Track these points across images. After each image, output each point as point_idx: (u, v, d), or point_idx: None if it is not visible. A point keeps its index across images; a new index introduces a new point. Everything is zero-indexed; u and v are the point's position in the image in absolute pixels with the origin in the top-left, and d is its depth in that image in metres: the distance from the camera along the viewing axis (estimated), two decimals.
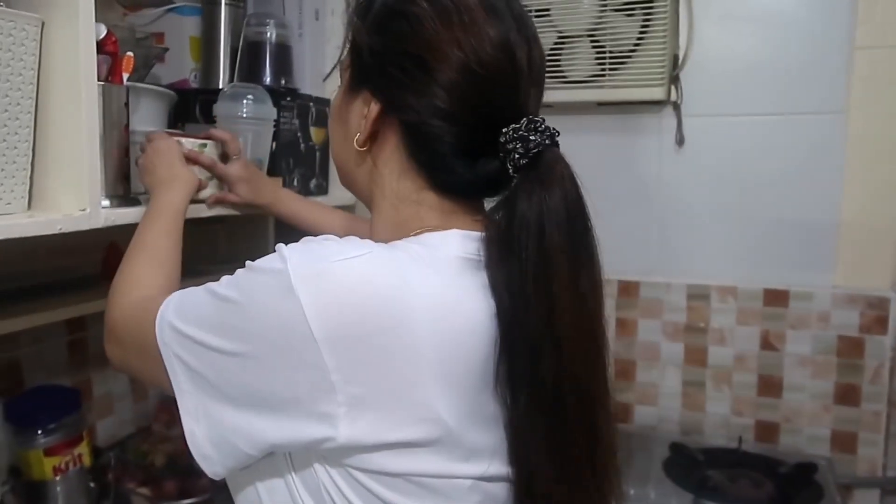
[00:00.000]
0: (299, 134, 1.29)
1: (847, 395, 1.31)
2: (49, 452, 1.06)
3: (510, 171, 0.60)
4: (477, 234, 0.62)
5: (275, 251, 0.58)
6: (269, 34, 1.24)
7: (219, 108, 1.11)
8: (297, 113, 1.27)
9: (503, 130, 0.60)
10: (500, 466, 0.59)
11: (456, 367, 0.56)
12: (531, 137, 0.59)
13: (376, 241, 0.63)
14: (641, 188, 1.36)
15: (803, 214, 1.32)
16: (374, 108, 0.64)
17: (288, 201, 1.11)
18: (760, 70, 1.33)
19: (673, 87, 1.36)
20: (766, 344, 1.36)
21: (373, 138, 0.66)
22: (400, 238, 0.63)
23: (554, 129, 0.61)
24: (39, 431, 1.06)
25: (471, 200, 0.66)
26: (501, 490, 0.60)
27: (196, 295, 0.61)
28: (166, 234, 0.83)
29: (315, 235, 1.01)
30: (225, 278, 0.60)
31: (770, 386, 1.36)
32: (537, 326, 0.57)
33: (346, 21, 0.74)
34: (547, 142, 0.60)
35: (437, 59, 0.60)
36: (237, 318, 0.56)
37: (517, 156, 0.59)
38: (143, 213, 0.87)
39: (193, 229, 1.38)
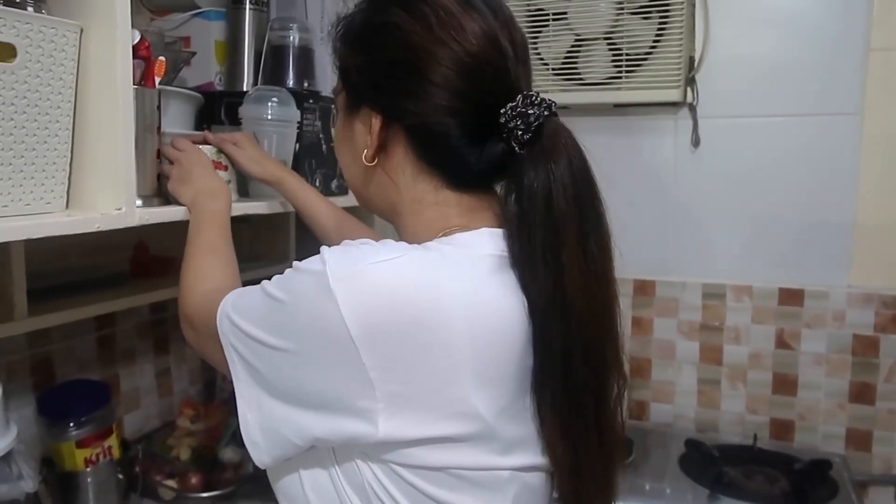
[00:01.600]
0: (321, 135, 1.32)
1: (862, 393, 1.32)
2: (80, 444, 1.10)
3: (516, 148, 0.62)
4: (503, 231, 0.64)
5: (315, 254, 0.60)
6: (292, 38, 1.27)
7: (244, 111, 1.14)
8: (320, 115, 1.30)
9: (501, 111, 0.62)
10: (535, 457, 0.61)
11: (492, 363, 0.58)
12: (530, 111, 0.61)
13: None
14: (657, 189, 1.38)
15: (818, 214, 1.33)
16: (376, 121, 0.66)
17: (292, 181, 1.10)
18: (776, 72, 1.34)
19: (689, 89, 1.38)
20: (781, 342, 1.37)
21: (381, 151, 0.68)
22: (430, 239, 0.65)
23: (550, 100, 0.62)
24: (71, 424, 1.09)
25: (488, 193, 0.68)
26: (538, 479, 0.62)
27: (251, 292, 0.65)
28: (224, 240, 0.89)
29: (307, 221, 1.08)
30: (276, 277, 0.63)
31: (785, 384, 1.37)
32: (547, 294, 0.59)
33: (330, 49, 0.73)
34: (546, 112, 0.61)
35: (425, 60, 0.63)
36: (283, 315, 0.59)
37: (520, 132, 0.61)
38: (191, 223, 0.90)
39: None
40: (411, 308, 0.56)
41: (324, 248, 0.60)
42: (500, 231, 0.64)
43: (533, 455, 0.61)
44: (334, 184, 1.38)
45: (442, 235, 0.65)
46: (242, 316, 0.63)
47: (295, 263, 0.61)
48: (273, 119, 1.14)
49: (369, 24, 0.67)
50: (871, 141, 1.29)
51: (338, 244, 1.00)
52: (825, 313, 1.33)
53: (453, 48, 0.62)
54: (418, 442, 0.56)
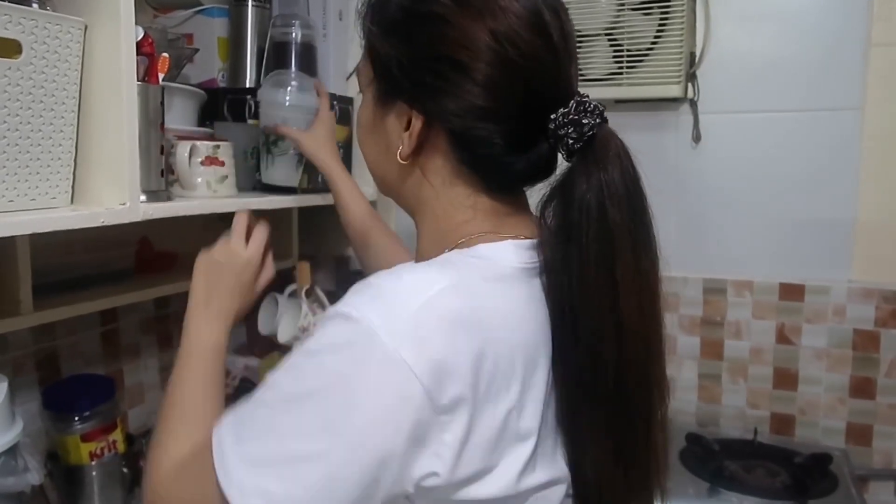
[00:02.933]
0: None
1: (862, 387, 1.32)
2: (85, 438, 1.11)
3: (563, 156, 0.60)
4: (528, 242, 0.61)
5: (336, 314, 0.52)
6: (294, 34, 1.28)
7: (262, 94, 1.14)
8: None
9: (552, 117, 0.59)
10: (556, 471, 0.58)
11: (533, 379, 0.56)
12: (584, 121, 0.58)
13: (424, 248, 0.65)
14: (658, 184, 1.36)
15: (819, 209, 1.34)
16: (417, 121, 0.61)
17: (338, 173, 1.12)
18: (777, 67, 1.34)
19: (690, 85, 1.38)
20: (782, 337, 1.38)
21: (417, 148, 0.63)
22: (450, 244, 0.62)
23: (601, 105, 0.59)
24: (76, 418, 1.10)
25: (520, 197, 0.66)
26: (555, 494, 0.59)
27: (256, 414, 0.53)
28: (211, 384, 0.73)
29: (340, 214, 1.07)
30: (279, 378, 0.53)
31: (786, 379, 1.37)
32: (600, 310, 0.56)
33: (361, 31, 0.66)
34: (598, 121, 0.58)
35: (471, 57, 0.58)
36: (332, 408, 0.50)
37: (571, 140, 0.58)
38: (182, 343, 0.76)
39: (218, 224, 1.42)
40: (473, 343, 0.52)
41: (345, 311, 0.52)
42: (525, 242, 0.61)
43: (554, 470, 0.58)
44: None
45: (464, 244, 0.61)
46: (265, 446, 0.51)
47: (306, 348, 0.53)
48: (290, 105, 1.14)
49: (411, 11, 0.60)
50: (872, 136, 1.29)
51: (361, 248, 1.04)
52: (826, 308, 1.34)
53: (500, 41, 0.57)
54: (479, 475, 0.53)
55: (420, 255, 0.67)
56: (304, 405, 0.51)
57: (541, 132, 0.60)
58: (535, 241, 0.61)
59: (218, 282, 0.79)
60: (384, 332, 0.50)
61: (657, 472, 0.61)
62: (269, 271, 0.86)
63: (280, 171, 1.18)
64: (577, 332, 0.57)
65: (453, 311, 0.52)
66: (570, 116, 0.58)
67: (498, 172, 0.62)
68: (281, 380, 0.53)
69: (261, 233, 0.84)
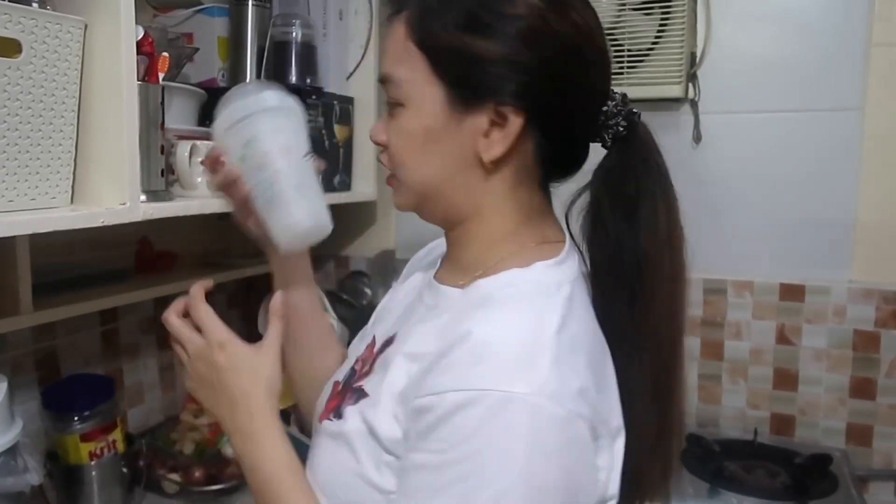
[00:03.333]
0: (323, 131, 1.32)
1: (862, 388, 1.32)
2: (85, 438, 1.11)
3: (606, 143, 0.65)
4: (565, 247, 0.66)
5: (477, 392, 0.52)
6: (294, 34, 1.28)
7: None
8: (322, 111, 1.31)
9: (605, 109, 0.64)
10: None
11: (608, 378, 0.62)
12: (634, 111, 0.64)
13: (478, 253, 0.66)
14: None
15: (820, 209, 1.34)
16: (517, 120, 0.60)
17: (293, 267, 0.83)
18: (777, 67, 1.34)
19: (690, 85, 1.38)
20: (782, 338, 1.38)
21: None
22: (507, 250, 0.64)
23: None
24: (76, 418, 1.10)
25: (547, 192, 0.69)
26: None
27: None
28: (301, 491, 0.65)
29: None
30: (465, 471, 0.51)
31: (786, 379, 1.37)
32: (668, 267, 0.64)
33: (417, 36, 0.62)
34: (639, 111, 0.65)
35: (568, 56, 0.61)
36: (549, 485, 0.52)
37: (621, 129, 0.64)
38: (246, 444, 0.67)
39: (222, 223, 1.42)
40: (585, 361, 0.57)
41: (509, 389, 0.51)
42: (566, 258, 0.65)
43: None
44: (336, 179, 1.39)
45: (523, 263, 0.63)
46: None
47: (466, 441, 0.51)
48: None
49: (505, 13, 0.60)
50: (872, 136, 1.29)
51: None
52: (826, 309, 1.34)
53: (592, 42, 0.62)
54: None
55: (472, 262, 0.66)
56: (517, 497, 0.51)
57: (595, 123, 0.65)
58: (566, 243, 0.66)
59: (220, 400, 0.69)
60: (545, 397, 0.52)
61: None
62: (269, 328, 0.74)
63: None
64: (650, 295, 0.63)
65: (574, 343, 0.57)
66: (618, 107, 0.64)
67: (565, 167, 0.66)
68: (466, 471, 0.51)
69: (208, 318, 0.71)
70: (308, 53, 1.30)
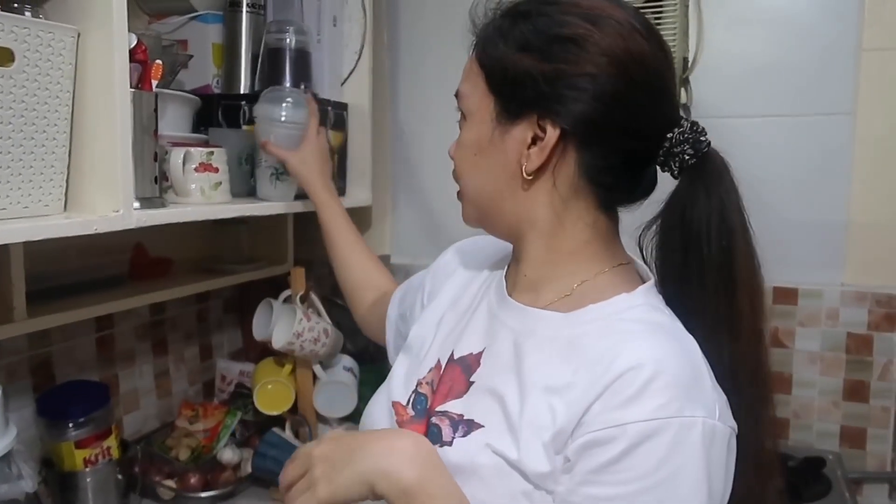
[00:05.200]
0: None
1: (856, 391, 1.33)
2: (80, 445, 1.11)
3: (674, 173, 0.65)
4: (650, 283, 0.68)
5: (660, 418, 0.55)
6: (288, 40, 1.28)
7: (259, 109, 1.15)
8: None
9: (668, 136, 0.64)
10: None
11: None
12: (701, 139, 0.64)
13: (537, 271, 0.69)
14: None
15: (812, 213, 1.34)
16: (553, 133, 0.63)
17: (321, 186, 1.15)
18: (769, 72, 1.35)
19: (683, 90, 1.39)
20: (776, 341, 1.38)
21: (544, 163, 0.65)
22: (578, 270, 0.67)
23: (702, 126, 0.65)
24: (70, 424, 1.10)
25: (615, 216, 0.70)
26: None
27: None
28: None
29: (324, 228, 1.11)
30: (658, 498, 0.54)
31: (779, 382, 1.38)
32: (717, 311, 0.63)
33: (476, 49, 0.69)
34: (709, 140, 0.65)
35: (617, 77, 0.62)
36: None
37: (687, 157, 0.64)
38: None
39: (217, 229, 1.43)
40: None
41: (692, 414, 0.55)
42: (643, 283, 0.68)
43: None
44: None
45: (627, 288, 0.66)
46: None
47: (657, 476, 0.55)
48: (286, 121, 1.15)
49: (555, 35, 0.63)
50: (864, 140, 1.30)
51: (344, 269, 1.10)
52: (819, 312, 1.34)
53: (645, 66, 0.63)
54: None
55: (542, 280, 0.69)
56: None
57: (657, 149, 0.65)
58: (635, 264, 0.70)
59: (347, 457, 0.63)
60: (715, 418, 0.56)
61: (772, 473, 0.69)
62: None
63: (281, 192, 1.21)
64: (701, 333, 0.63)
65: (705, 360, 0.60)
66: (686, 135, 0.64)
67: (617, 188, 0.67)
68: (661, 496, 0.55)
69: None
70: (302, 59, 1.30)
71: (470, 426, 0.64)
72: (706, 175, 0.64)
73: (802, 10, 1.33)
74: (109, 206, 0.85)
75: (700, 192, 0.64)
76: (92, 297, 1.11)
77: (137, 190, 0.90)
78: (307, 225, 1.58)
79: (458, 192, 0.73)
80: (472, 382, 0.68)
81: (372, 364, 1.44)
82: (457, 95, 0.71)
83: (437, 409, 0.68)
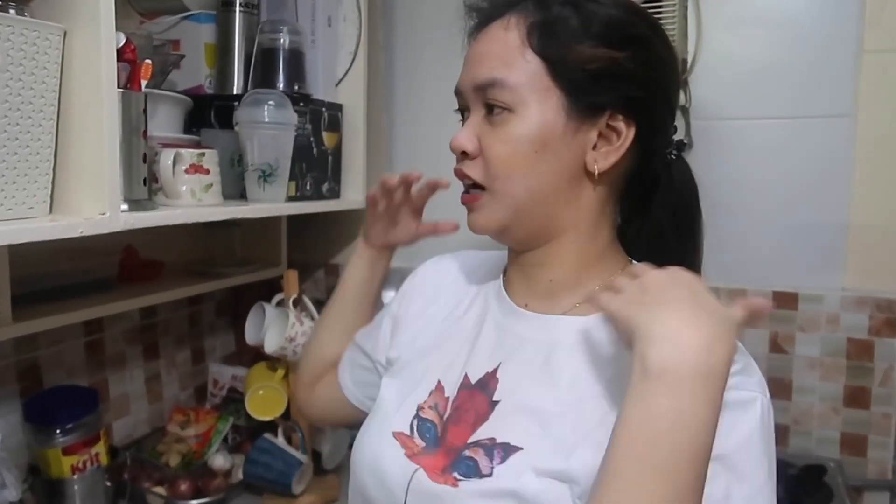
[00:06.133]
0: (312, 138, 1.31)
1: (856, 397, 1.31)
2: (67, 451, 1.09)
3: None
4: None
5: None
6: (282, 40, 1.26)
7: (240, 115, 1.13)
8: (310, 118, 1.29)
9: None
10: None
11: None
12: (685, 140, 0.73)
13: (571, 270, 0.68)
14: None
15: (812, 217, 1.33)
16: (629, 132, 0.64)
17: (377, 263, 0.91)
18: (769, 74, 1.33)
19: (682, 92, 1.37)
20: (775, 346, 1.36)
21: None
22: (606, 267, 0.68)
23: None
24: (58, 431, 1.08)
25: None
26: None
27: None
28: None
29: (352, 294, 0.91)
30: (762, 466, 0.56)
31: (779, 388, 1.36)
32: None
33: (535, 42, 0.63)
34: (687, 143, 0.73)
35: (672, 77, 0.68)
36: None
37: (672, 156, 0.70)
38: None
39: (209, 232, 1.40)
40: None
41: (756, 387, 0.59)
42: None
43: None
44: (325, 187, 1.37)
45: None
46: None
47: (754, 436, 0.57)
48: (270, 122, 1.13)
49: (629, 34, 0.64)
50: (864, 143, 1.28)
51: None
52: (819, 317, 1.32)
53: (679, 72, 0.75)
54: None
55: (563, 285, 0.68)
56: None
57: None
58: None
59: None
60: (768, 393, 0.61)
61: None
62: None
63: (270, 194, 1.18)
64: None
65: None
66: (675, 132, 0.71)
67: (646, 185, 0.70)
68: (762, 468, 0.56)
69: None
70: (296, 60, 1.28)
71: (507, 450, 0.61)
72: (682, 169, 0.71)
73: (803, 12, 1.31)
74: (96, 208, 0.83)
75: (686, 182, 0.71)
76: (80, 301, 1.09)
77: (126, 192, 0.89)
78: (301, 227, 1.56)
79: (472, 194, 0.67)
80: (497, 402, 0.65)
81: None
82: (490, 84, 0.64)
83: (469, 441, 0.64)
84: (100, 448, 1.13)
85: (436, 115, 1.49)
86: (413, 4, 1.54)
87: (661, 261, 0.61)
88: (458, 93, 0.70)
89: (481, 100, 0.66)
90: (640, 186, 0.70)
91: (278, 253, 1.50)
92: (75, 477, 1.10)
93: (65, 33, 0.80)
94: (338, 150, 1.39)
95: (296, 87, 1.28)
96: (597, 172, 0.64)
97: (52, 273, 1.11)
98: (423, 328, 0.78)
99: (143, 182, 0.93)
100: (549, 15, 0.64)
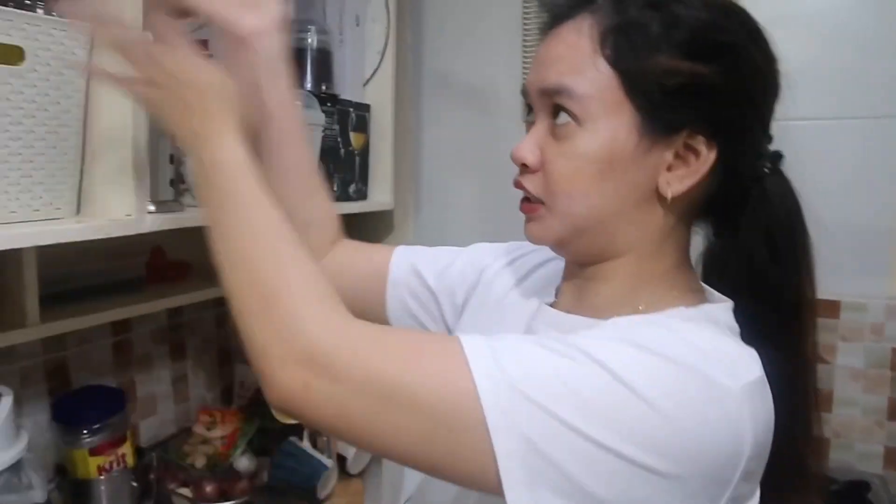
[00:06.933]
0: (339, 139, 1.30)
1: None
2: (94, 452, 1.08)
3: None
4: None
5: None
6: (310, 40, 1.25)
7: None
8: (338, 118, 1.28)
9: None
10: None
11: None
12: (781, 155, 0.65)
13: (619, 293, 0.62)
14: None
15: (856, 221, 1.28)
16: (710, 155, 0.58)
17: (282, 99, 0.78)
18: (813, 74, 1.29)
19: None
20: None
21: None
22: (664, 292, 0.61)
23: None
24: (85, 431, 1.08)
25: None
26: None
27: (561, 365, 0.49)
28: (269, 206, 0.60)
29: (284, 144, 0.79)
30: (628, 363, 0.49)
31: (820, 400, 1.31)
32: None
33: (627, 50, 0.57)
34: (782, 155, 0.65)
35: (764, 90, 0.61)
36: (663, 430, 0.47)
37: (767, 168, 0.63)
38: (201, 179, 0.63)
39: None
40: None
41: (732, 354, 0.53)
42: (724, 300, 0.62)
43: None
44: (352, 188, 1.36)
45: (696, 301, 0.61)
46: (563, 403, 0.47)
47: (664, 353, 0.50)
48: None
49: (718, 42, 0.57)
50: None
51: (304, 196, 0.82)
52: (862, 326, 1.27)
53: (777, 80, 0.63)
54: None
55: (610, 301, 0.63)
56: (642, 410, 0.49)
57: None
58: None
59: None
60: (745, 394, 0.53)
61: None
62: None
63: None
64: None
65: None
66: (773, 150, 0.64)
67: (741, 201, 0.62)
68: (629, 364, 0.49)
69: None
70: (324, 60, 1.27)
71: None
72: (780, 183, 0.64)
73: (848, 11, 1.27)
74: (122, 209, 0.82)
75: (778, 197, 0.63)
76: (108, 302, 1.09)
77: (153, 193, 0.88)
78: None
79: (530, 204, 0.63)
80: None
81: None
82: (557, 92, 0.59)
83: None
84: (126, 449, 1.13)
85: (463, 115, 1.47)
86: (441, 4, 1.52)
87: (758, 289, 0.59)
88: (525, 93, 0.65)
89: (547, 105, 0.61)
90: (724, 204, 0.62)
91: None
92: (102, 478, 1.09)
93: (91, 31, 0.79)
94: (365, 151, 1.38)
95: (323, 87, 1.27)
96: (669, 197, 0.58)
97: (79, 273, 1.11)
98: (474, 312, 0.77)
99: (171, 183, 0.92)
100: (626, 19, 0.57)
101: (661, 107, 0.57)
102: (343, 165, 1.32)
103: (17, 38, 0.72)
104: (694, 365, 0.50)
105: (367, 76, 1.40)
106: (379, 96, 1.39)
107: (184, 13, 0.71)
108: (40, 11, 0.76)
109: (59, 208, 0.80)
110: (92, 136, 0.82)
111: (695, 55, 0.56)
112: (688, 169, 0.58)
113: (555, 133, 0.60)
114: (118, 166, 0.82)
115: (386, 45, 1.38)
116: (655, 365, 0.49)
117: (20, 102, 0.73)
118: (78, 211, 0.83)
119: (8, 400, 0.86)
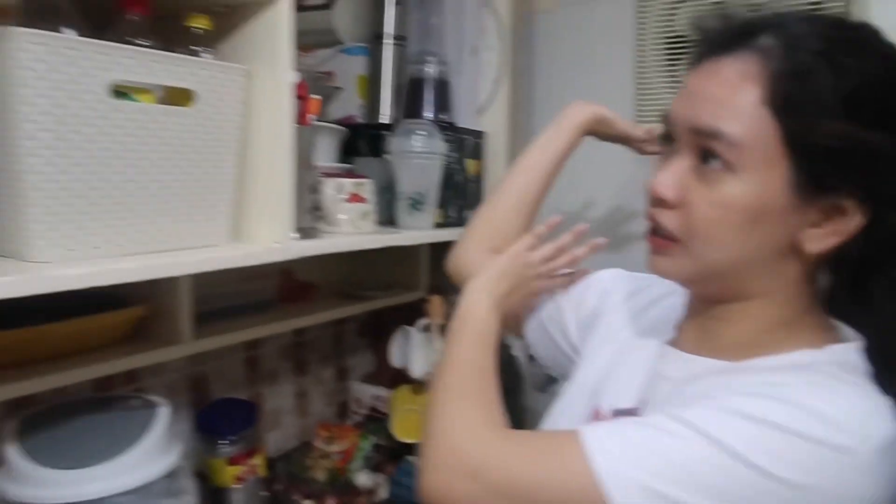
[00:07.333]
0: (456, 166, 1.33)
1: None
2: (232, 461, 1.15)
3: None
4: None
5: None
6: (430, 71, 1.30)
7: (393, 144, 1.18)
8: (456, 146, 1.31)
9: None
10: None
11: None
12: None
13: (750, 335, 0.61)
14: None
15: None
16: (858, 217, 0.56)
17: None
18: None
19: None
20: None
21: None
22: (799, 335, 0.60)
23: None
24: (225, 441, 1.15)
25: None
26: None
27: (692, 453, 0.51)
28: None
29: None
30: (734, 433, 0.51)
31: None
32: None
33: (796, 104, 0.54)
34: None
35: None
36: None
37: None
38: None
39: (357, 255, 1.45)
40: None
41: (854, 411, 0.51)
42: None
43: None
44: (468, 214, 1.38)
45: (823, 341, 0.59)
46: (696, 492, 0.50)
47: (775, 422, 0.50)
48: (421, 151, 1.17)
49: (887, 106, 0.55)
50: None
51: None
52: None
53: None
54: None
55: (735, 342, 0.62)
56: (771, 487, 0.50)
57: None
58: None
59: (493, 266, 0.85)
60: (874, 452, 0.52)
61: None
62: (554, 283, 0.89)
63: (420, 221, 1.22)
64: None
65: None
66: None
67: (885, 245, 0.58)
68: (734, 434, 0.51)
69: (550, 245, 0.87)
70: (443, 89, 1.32)
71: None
72: None
73: None
74: (271, 237, 0.88)
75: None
76: (245, 321, 1.16)
77: (296, 220, 0.93)
78: (440, 253, 1.58)
79: (661, 238, 0.62)
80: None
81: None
82: (713, 135, 0.56)
83: None
84: (258, 460, 1.19)
85: None
86: (553, 30, 1.54)
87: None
88: (668, 122, 0.62)
89: (695, 144, 0.59)
90: (864, 250, 0.58)
91: (417, 277, 1.53)
92: (238, 487, 1.16)
93: (249, 73, 0.86)
94: (479, 177, 1.41)
95: (442, 116, 1.31)
96: (811, 253, 0.57)
97: (221, 295, 1.19)
98: (597, 343, 0.79)
99: (310, 211, 0.98)
100: (795, 67, 0.54)
101: (821, 167, 0.55)
102: (459, 192, 1.35)
103: (189, 82, 0.79)
104: (821, 438, 0.50)
105: (482, 103, 1.43)
106: (493, 123, 1.42)
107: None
108: (207, 56, 0.84)
109: (215, 236, 0.87)
110: (244, 168, 0.89)
111: (864, 119, 0.54)
112: (833, 228, 0.57)
113: (701, 174, 0.58)
114: (269, 197, 0.88)
115: (501, 73, 1.41)
116: (782, 442, 0.50)
117: (188, 140, 0.80)
118: (232, 239, 0.89)
119: (167, 410, 0.94)
